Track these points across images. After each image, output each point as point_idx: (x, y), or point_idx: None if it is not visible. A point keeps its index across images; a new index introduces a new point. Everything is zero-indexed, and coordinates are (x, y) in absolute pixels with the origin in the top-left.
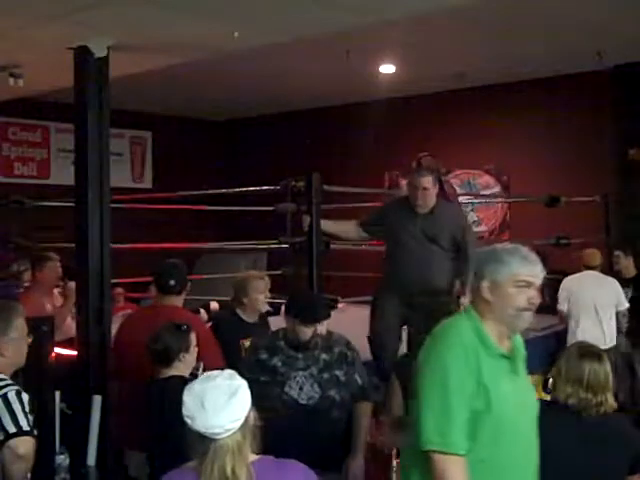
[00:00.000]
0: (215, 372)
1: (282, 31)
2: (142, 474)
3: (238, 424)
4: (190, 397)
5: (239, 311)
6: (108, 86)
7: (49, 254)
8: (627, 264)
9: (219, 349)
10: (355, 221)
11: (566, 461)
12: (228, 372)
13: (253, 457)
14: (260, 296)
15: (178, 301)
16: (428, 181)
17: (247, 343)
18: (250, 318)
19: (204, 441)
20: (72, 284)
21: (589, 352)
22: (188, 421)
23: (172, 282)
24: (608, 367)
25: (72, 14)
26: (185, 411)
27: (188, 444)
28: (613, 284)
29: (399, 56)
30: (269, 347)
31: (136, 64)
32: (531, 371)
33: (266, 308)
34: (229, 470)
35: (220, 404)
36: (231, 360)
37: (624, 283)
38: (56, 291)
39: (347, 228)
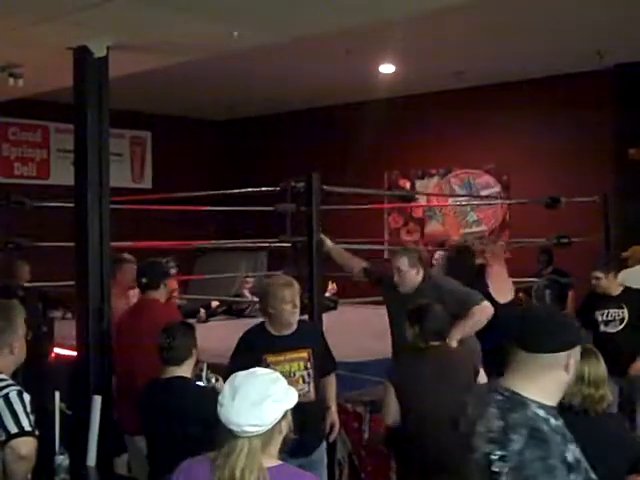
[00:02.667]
0: (264, 370)
1: (282, 31)
2: (143, 462)
3: (259, 429)
4: (229, 386)
5: (267, 324)
6: (108, 86)
7: (125, 256)
8: (608, 284)
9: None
10: (361, 261)
11: None
12: (275, 375)
13: (272, 462)
14: (287, 306)
15: (157, 295)
16: (403, 262)
17: (271, 359)
18: (278, 331)
19: (226, 434)
20: None
21: (585, 351)
22: (218, 407)
23: (144, 280)
24: (603, 363)
25: (72, 14)
26: (220, 397)
27: (218, 430)
28: None
29: (399, 56)
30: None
31: (136, 64)
32: None
33: (295, 319)
34: (238, 472)
35: (248, 404)
36: None
37: (612, 304)
38: (131, 292)
39: (350, 263)
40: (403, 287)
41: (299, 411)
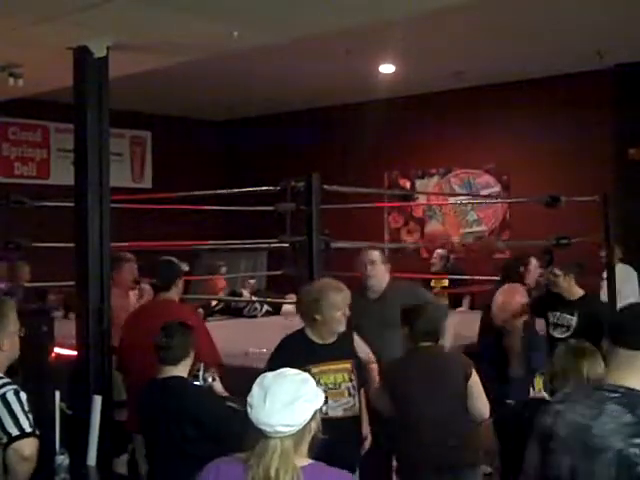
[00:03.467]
0: (293, 371)
1: (282, 31)
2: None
3: (291, 429)
4: (258, 387)
5: (308, 331)
6: (108, 86)
7: (125, 255)
8: (566, 286)
9: (211, 339)
10: None
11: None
12: (304, 376)
13: (304, 462)
14: (337, 314)
15: (171, 295)
16: (375, 254)
17: (315, 369)
18: (322, 339)
19: (256, 434)
20: (147, 286)
21: (583, 349)
22: (248, 409)
23: (157, 280)
24: (602, 363)
25: (72, 14)
26: (249, 398)
27: (247, 432)
28: None
29: (399, 56)
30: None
31: (136, 64)
32: None
33: (343, 328)
34: (273, 472)
35: (279, 405)
36: None
37: (564, 308)
38: (131, 293)
39: None
40: (373, 286)
41: (346, 425)
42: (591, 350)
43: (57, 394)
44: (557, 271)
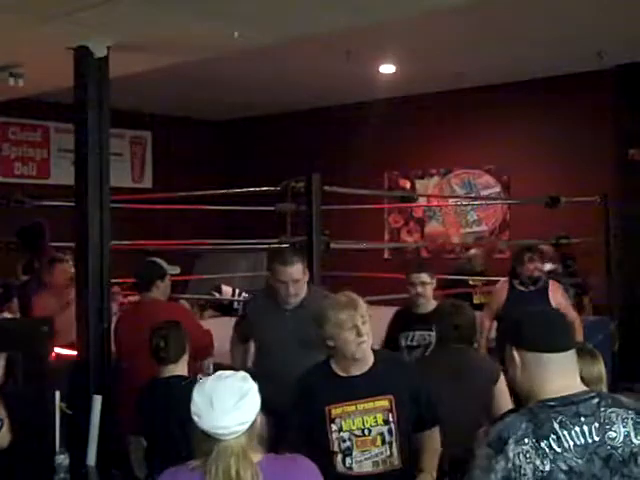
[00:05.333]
0: (227, 372)
1: (282, 31)
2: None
3: (245, 427)
4: (200, 395)
5: (332, 360)
6: (108, 86)
7: (60, 255)
8: (429, 296)
9: (202, 327)
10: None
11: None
12: (241, 374)
13: (258, 456)
14: (349, 334)
15: (155, 295)
16: (298, 270)
17: (335, 411)
18: (345, 370)
19: (209, 441)
20: None
21: (580, 350)
22: (195, 419)
23: (137, 280)
24: (601, 365)
25: (72, 14)
26: (194, 408)
27: (194, 441)
28: None
29: (399, 56)
30: None
31: (136, 64)
32: None
33: (364, 353)
34: (233, 472)
35: (229, 405)
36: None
37: (417, 324)
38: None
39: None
40: (291, 300)
41: None
42: (589, 351)
43: (57, 394)
44: (426, 277)
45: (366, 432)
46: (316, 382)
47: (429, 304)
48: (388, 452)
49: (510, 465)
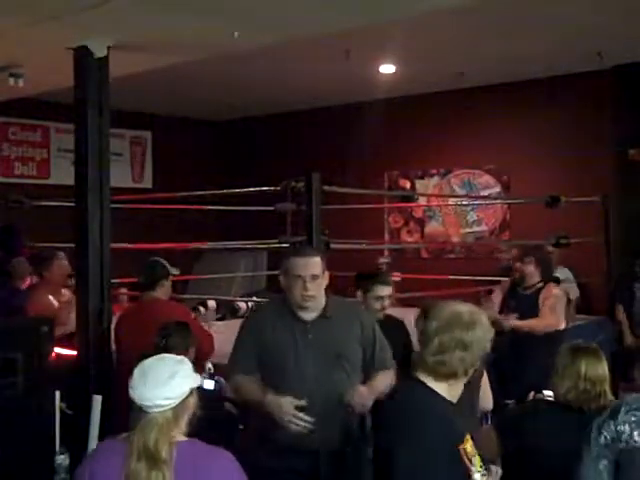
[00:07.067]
0: (171, 355)
1: (282, 31)
2: None
3: (170, 403)
4: (138, 371)
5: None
6: (108, 86)
7: (56, 252)
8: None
9: (204, 328)
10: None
11: (568, 459)
12: (181, 357)
13: (182, 438)
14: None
15: (156, 294)
16: (316, 264)
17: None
18: (450, 394)
19: (140, 413)
20: None
21: (584, 349)
22: (130, 391)
23: (141, 279)
24: (605, 364)
25: (72, 14)
26: (130, 382)
27: (131, 414)
28: None
29: (399, 56)
30: None
31: (136, 64)
32: None
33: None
34: (152, 443)
35: (159, 381)
36: None
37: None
38: (64, 290)
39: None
40: (313, 305)
41: None
42: (593, 349)
43: (57, 394)
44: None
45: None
46: (444, 413)
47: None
48: None
49: None
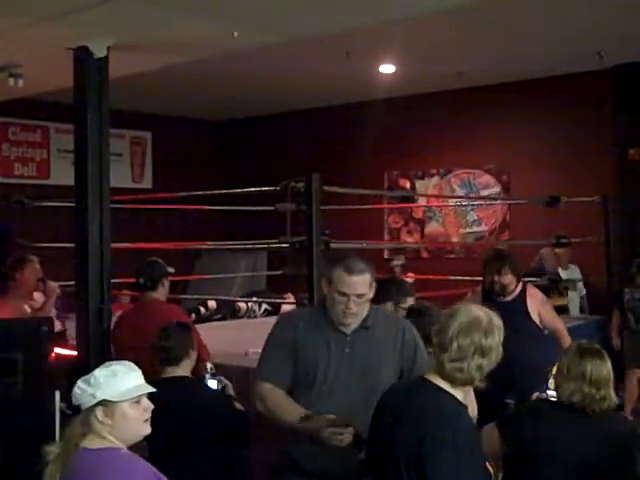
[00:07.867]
0: (123, 363)
1: (282, 31)
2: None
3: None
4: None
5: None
6: (108, 86)
7: (28, 255)
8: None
9: (199, 336)
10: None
11: (571, 459)
12: (110, 366)
13: (96, 445)
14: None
15: (158, 295)
16: (365, 281)
17: None
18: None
19: None
20: (52, 283)
21: (590, 350)
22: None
23: (141, 280)
24: (609, 364)
25: (72, 14)
26: None
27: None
28: None
29: (399, 56)
30: None
31: (136, 64)
32: None
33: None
34: (63, 442)
35: (81, 386)
36: None
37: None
38: (36, 294)
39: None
40: (348, 320)
41: None
42: (598, 350)
43: (57, 394)
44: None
45: None
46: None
47: None
48: None
49: None
